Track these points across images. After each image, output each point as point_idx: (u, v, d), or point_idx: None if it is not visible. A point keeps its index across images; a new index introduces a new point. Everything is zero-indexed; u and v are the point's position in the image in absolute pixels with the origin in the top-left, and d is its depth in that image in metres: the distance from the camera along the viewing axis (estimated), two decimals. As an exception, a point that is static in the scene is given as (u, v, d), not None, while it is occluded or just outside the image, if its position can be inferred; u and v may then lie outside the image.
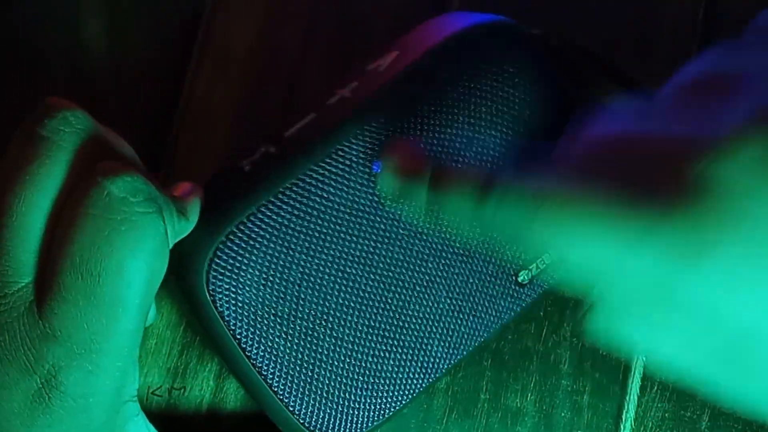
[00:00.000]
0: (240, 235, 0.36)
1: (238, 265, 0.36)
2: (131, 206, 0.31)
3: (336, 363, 0.38)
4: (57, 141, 0.32)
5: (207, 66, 0.45)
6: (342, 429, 0.38)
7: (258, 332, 0.37)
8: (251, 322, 0.37)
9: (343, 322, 0.38)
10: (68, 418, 0.31)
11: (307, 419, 0.38)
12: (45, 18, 0.46)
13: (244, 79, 0.45)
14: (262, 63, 0.46)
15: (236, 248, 0.36)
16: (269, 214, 0.36)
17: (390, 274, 0.38)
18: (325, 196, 0.37)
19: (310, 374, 0.38)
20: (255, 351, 0.37)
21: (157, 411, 0.43)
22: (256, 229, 0.36)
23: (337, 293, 0.38)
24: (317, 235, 0.37)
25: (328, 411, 0.38)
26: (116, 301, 0.31)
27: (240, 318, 0.37)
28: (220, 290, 0.36)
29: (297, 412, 0.38)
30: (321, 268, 0.37)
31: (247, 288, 0.36)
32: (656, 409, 0.44)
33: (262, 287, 0.37)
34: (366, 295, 0.38)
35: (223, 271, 0.36)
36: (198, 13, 0.46)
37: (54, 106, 0.33)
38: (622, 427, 0.44)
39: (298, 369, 0.38)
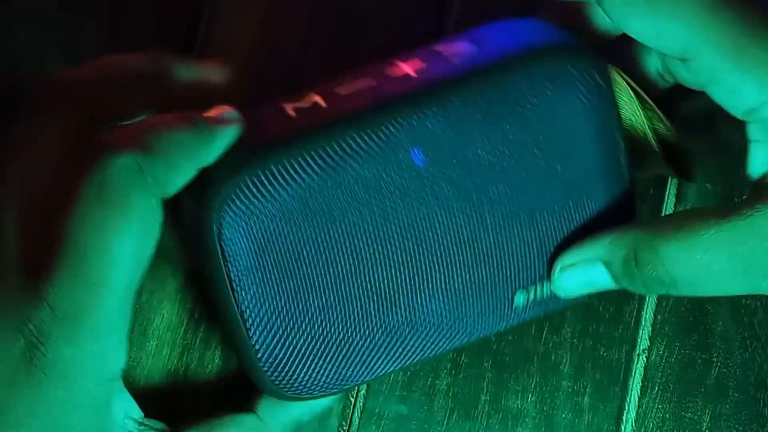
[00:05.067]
0: (265, 180, 0.35)
1: (254, 208, 0.35)
2: (123, 188, 0.32)
3: (319, 328, 0.38)
4: (52, 108, 0.34)
5: (207, 66, 0.45)
6: (302, 389, 0.38)
7: (253, 278, 0.36)
8: (249, 266, 0.36)
9: (336, 294, 0.38)
10: (47, 383, 0.32)
11: (273, 375, 0.38)
12: (45, 18, 0.45)
13: (244, 79, 0.45)
14: (262, 63, 0.46)
15: (257, 193, 0.35)
16: (303, 166, 0.35)
17: (392, 264, 0.38)
18: (359, 169, 0.36)
19: (291, 333, 0.38)
20: (244, 295, 0.37)
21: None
22: (285, 178, 0.35)
23: (339, 266, 0.37)
24: (339, 203, 0.36)
25: (297, 372, 0.38)
26: (101, 278, 0.32)
27: (239, 258, 0.36)
28: (229, 226, 0.36)
29: (266, 368, 0.38)
30: (333, 238, 0.37)
31: (256, 233, 0.36)
32: (657, 410, 0.44)
33: (271, 237, 0.36)
34: (365, 275, 0.38)
35: (237, 209, 0.35)
36: (198, 13, 0.46)
37: (45, 80, 0.35)
38: (622, 428, 0.44)
39: (280, 324, 0.37)
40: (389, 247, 0.38)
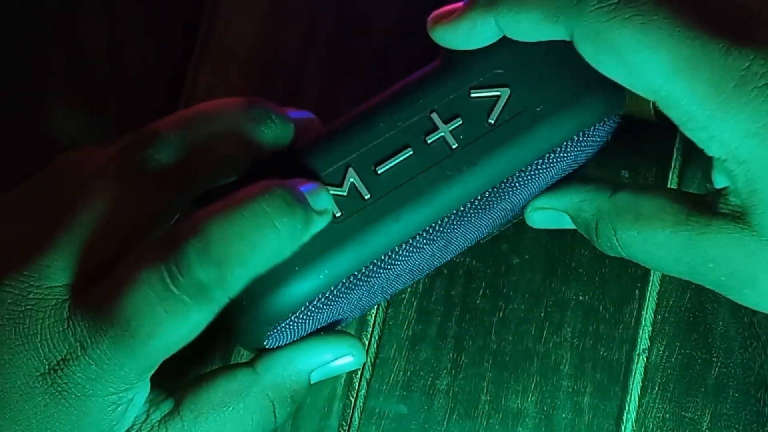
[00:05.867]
0: (317, 301, 0.34)
1: (299, 319, 0.35)
2: (182, 306, 0.31)
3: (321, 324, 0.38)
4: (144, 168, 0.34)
5: (207, 66, 0.45)
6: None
7: (280, 339, 0.36)
8: (280, 337, 0.36)
9: (347, 309, 0.38)
10: (63, 404, 0.32)
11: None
12: (45, 18, 0.45)
13: (244, 79, 0.45)
14: (262, 63, 0.46)
15: (306, 311, 0.34)
16: (354, 281, 0.34)
17: (401, 278, 0.39)
18: (401, 265, 0.35)
19: (297, 334, 0.37)
20: (269, 341, 0.36)
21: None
22: (335, 292, 0.34)
23: (357, 299, 0.37)
24: (370, 286, 0.36)
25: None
26: (141, 353, 0.32)
27: (274, 339, 0.36)
28: (274, 336, 0.35)
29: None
30: (357, 296, 0.37)
31: (294, 325, 0.35)
32: (657, 410, 0.44)
33: (306, 319, 0.35)
34: (378, 291, 0.38)
35: (284, 325, 0.35)
36: (198, 12, 0.46)
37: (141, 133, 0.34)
38: (623, 428, 0.44)
39: (291, 336, 0.37)
40: (404, 275, 0.38)
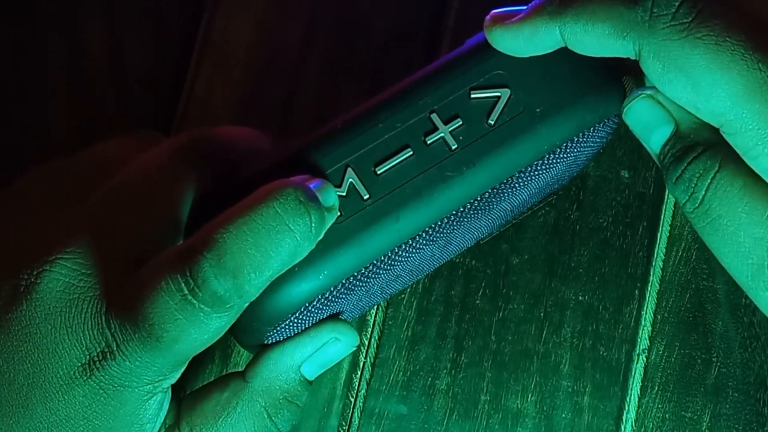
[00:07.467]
0: (317, 303, 0.34)
1: (300, 319, 0.35)
2: (201, 308, 0.31)
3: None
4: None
5: (207, 66, 0.45)
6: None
7: (280, 336, 0.36)
8: (281, 335, 0.36)
9: (346, 306, 0.38)
10: (101, 395, 0.33)
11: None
12: (45, 18, 0.45)
13: (244, 79, 0.45)
14: (262, 63, 0.46)
15: (305, 312, 0.35)
16: (353, 281, 0.35)
17: (401, 278, 0.39)
18: (403, 265, 0.36)
19: (298, 329, 0.37)
20: (271, 338, 0.36)
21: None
22: (334, 293, 0.35)
23: (355, 298, 0.37)
24: (370, 286, 0.36)
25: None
26: (169, 354, 0.32)
27: (275, 336, 0.36)
28: (274, 336, 0.36)
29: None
30: (356, 295, 0.37)
31: (294, 324, 0.35)
32: (657, 410, 0.44)
33: (306, 318, 0.36)
34: (380, 289, 0.38)
35: (284, 326, 0.35)
36: (198, 13, 0.46)
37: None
38: (622, 428, 0.44)
39: (292, 331, 0.37)
40: (403, 275, 0.38)
